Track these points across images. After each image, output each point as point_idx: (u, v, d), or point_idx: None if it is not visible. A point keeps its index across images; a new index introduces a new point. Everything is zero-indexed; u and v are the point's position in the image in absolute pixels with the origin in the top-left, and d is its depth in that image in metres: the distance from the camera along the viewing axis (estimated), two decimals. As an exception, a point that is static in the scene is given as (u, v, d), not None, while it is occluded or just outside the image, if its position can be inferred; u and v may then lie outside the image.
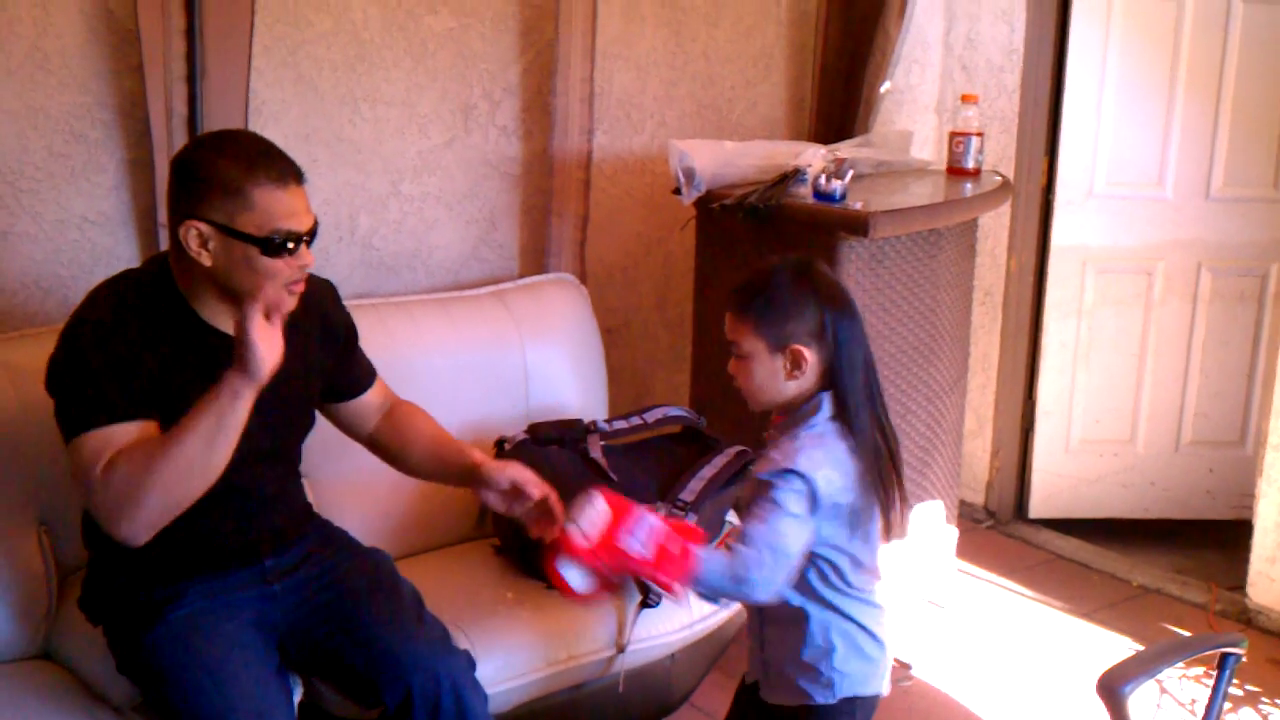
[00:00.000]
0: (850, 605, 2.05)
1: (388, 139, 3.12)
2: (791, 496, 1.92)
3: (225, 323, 2.11)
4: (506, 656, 2.48)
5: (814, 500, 1.93)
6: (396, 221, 3.18)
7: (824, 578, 2.02)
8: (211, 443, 1.95)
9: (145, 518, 1.97)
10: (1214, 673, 2.07)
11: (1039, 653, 3.40)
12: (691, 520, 2.60)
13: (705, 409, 3.07)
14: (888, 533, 2.08)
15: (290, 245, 2.02)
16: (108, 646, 2.21)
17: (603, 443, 2.86)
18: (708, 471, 2.74)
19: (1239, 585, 3.66)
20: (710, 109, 3.68)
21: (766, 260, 2.06)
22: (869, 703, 2.12)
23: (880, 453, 2.03)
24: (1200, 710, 2.12)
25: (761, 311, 2.00)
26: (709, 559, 1.89)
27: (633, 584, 2.61)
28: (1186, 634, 3.44)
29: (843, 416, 2.00)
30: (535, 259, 3.39)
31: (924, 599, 3.52)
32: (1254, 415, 4.01)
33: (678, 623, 2.67)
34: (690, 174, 3.01)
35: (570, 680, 2.58)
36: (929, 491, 3.31)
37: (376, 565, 2.37)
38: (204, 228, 2.00)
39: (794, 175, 3.01)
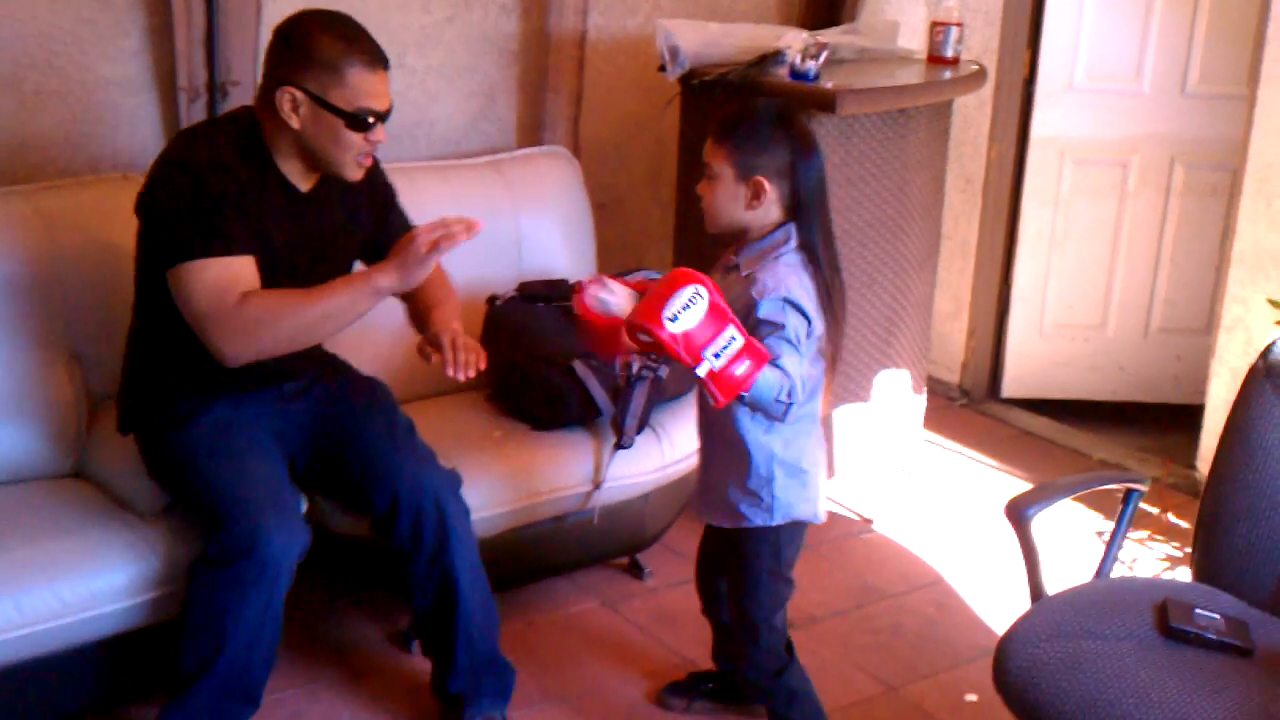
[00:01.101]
0: (793, 435, 2.28)
1: (393, 14, 3.31)
2: (790, 316, 2.15)
3: (297, 179, 2.37)
4: (491, 486, 2.73)
5: (809, 335, 2.17)
6: (400, 93, 3.34)
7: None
8: (335, 317, 2.29)
9: (258, 349, 2.28)
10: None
11: (995, 515, 3.63)
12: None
13: (685, 275, 3.29)
14: (833, 361, 2.31)
15: (371, 121, 2.26)
16: (140, 454, 2.48)
17: (587, 301, 3.08)
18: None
19: (1194, 463, 3.88)
20: (704, -6, 3.85)
21: (754, 98, 2.28)
22: (802, 527, 2.38)
23: (836, 282, 2.26)
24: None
25: (738, 141, 2.23)
26: (764, 380, 2.08)
27: (609, 426, 2.87)
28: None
29: (806, 247, 2.23)
30: (531, 133, 3.60)
31: (889, 463, 3.76)
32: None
33: (651, 464, 2.92)
34: (675, 52, 3.20)
35: (550, 511, 2.84)
36: (895, 360, 3.53)
37: (374, 390, 2.63)
38: (298, 94, 2.25)
39: (774, 56, 3.20)
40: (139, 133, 3.04)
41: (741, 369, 2.03)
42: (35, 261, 2.67)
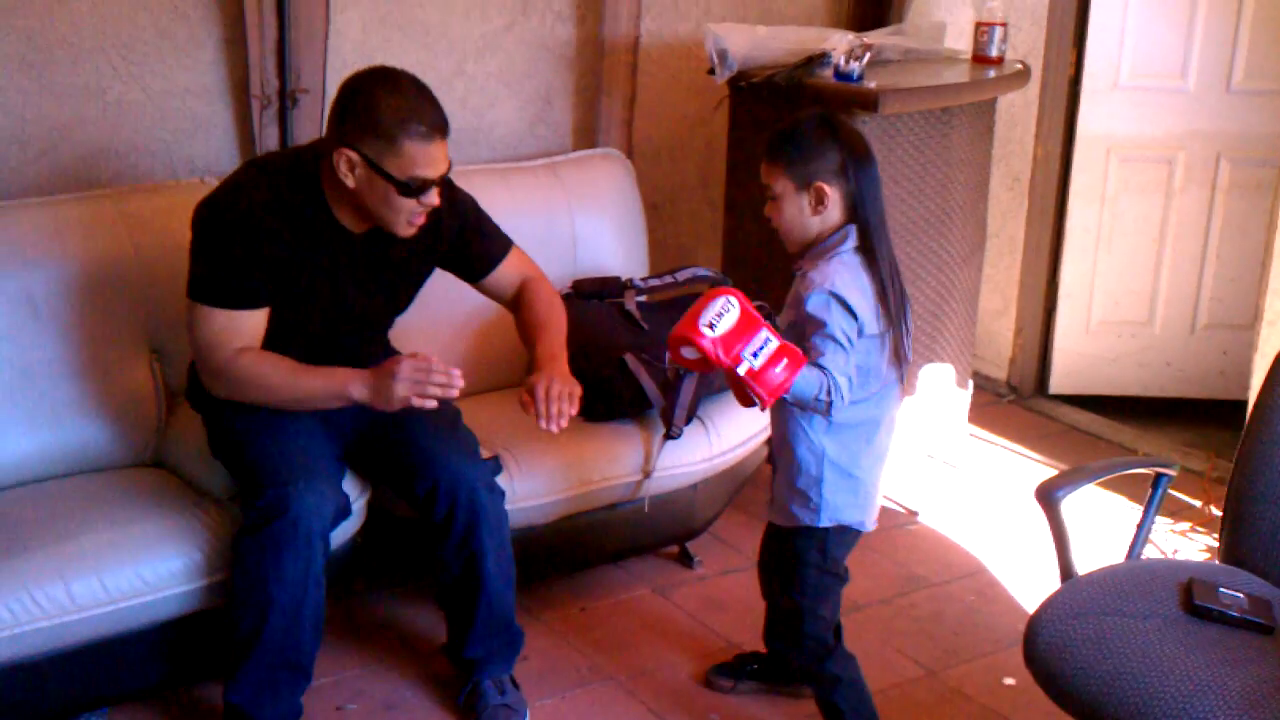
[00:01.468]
0: (849, 438, 2.36)
1: (454, 22, 3.46)
2: (835, 313, 2.25)
3: (350, 224, 2.51)
4: (547, 475, 2.86)
5: (855, 315, 2.26)
6: (461, 98, 3.52)
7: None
8: (309, 402, 2.48)
9: (240, 398, 2.50)
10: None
11: (1038, 508, 3.70)
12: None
13: (733, 274, 3.41)
14: (897, 358, 2.39)
15: (424, 188, 2.39)
16: (205, 430, 2.64)
17: (638, 298, 3.21)
18: (727, 322, 3.07)
19: (1239, 457, 3.92)
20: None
21: (790, 117, 2.39)
22: (851, 533, 2.46)
23: (895, 283, 2.35)
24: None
25: (790, 155, 2.33)
26: (803, 379, 2.20)
27: (659, 417, 2.98)
28: (1179, 495, 3.73)
29: (865, 246, 2.32)
30: (586, 136, 3.73)
31: (934, 456, 3.84)
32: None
33: (699, 455, 3.03)
34: (723, 55, 3.31)
35: (602, 500, 2.96)
36: (939, 354, 3.62)
37: (415, 355, 2.74)
38: (355, 157, 2.37)
39: (820, 58, 3.30)
40: (214, 139, 3.20)
41: (779, 368, 2.17)
42: (119, 262, 2.84)
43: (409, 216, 2.43)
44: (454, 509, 2.55)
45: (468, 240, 2.69)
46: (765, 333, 2.18)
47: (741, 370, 2.16)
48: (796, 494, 2.41)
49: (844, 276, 2.28)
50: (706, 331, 2.16)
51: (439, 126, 2.38)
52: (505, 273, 2.74)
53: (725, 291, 2.20)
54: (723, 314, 2.17)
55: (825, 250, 2.33)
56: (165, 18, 3.08)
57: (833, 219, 2.33)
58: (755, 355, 2.16)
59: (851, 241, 2.32)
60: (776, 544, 2.53)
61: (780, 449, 2.44)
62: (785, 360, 2.17)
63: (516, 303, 2.76)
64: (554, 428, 2.46)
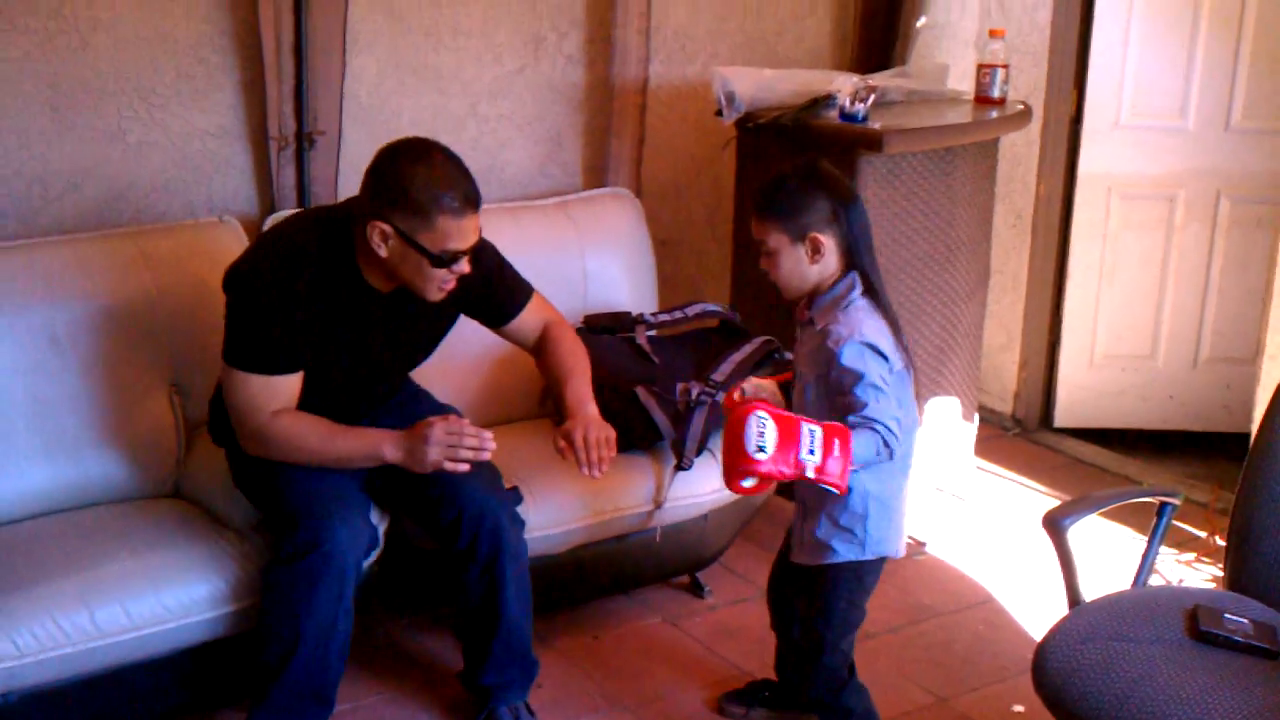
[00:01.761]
0: (889, 473, 2.40)
1: (467, 66, 3.53)
2: (871, 361, 2.29)
3: (377, 283, 2.56)
4: (559, 505, 2.91)
5: (886, 360, 2.31)
6: (473, 140, 3.59)
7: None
8: (346, 462, 2.56)
9: (269, 456, 2.55)
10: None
11: (1044, 539, 3.74)
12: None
13: (741, 309, 3.47)
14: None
15: (456, 259, 2.45)
16: (228, 465, 2.69)
17: (648, 332, 3.27)
18: (737, 356, 3.13)
19: (1244, 489, 3.96)
20: (759, 42, 4.04)
21: (777, 168, 2.43)
22: (884, 561, 2.50)
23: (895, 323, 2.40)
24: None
25: (781, 209, 2.35)
26: (859, 447, 2.22)
27: (670, 449, 3.03)
28: (1184, 526, 3.77)
29: (870, 291, 2.37)
30: (596, 176, 3.80)
31: (941, 488, 3.88)
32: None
33: (710, 486, 3.07)
34: (731, 97, 3.38)
35: (615, 530, 3.01)
36: (945, 388, 3.67)
37: (447, 417, 2.80)
38: (388, 229, 2.43)
39: (825, 100, 3.37)
40: (232, 179, 3.27)
41: (836, 453, 2.18)
42: (140, 298, 2.90)
43: (440, 284, 2.48)
44: (477, 538, 2.60)
45: (491, 289, 2.74)
46: (806, 427, 2.18)
47: (809, 474, 2.17)
48: (840, 531, 2.42)
49: (868, 324, 2.33)
50: (760, 456, 2.16)
51: (471, 200, 2.44)
52: (527, 319, 2.81)
53: (750, 410, 2.19)
54: (764, 432, 2.16)
55: (836, 300, 2.36)
56: (185, 61, 3.16)
57: (831, 267, 2.37)
58: (811, 453, 2.16)
59: (859, 288, 2.37)
60: (803, 580, 2.54)
61: (812, 490, 2.40)
62: (837, 442, 2.19)
63: (540, 348, 2.82)
64: (596, 474, 2.56)
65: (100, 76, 3.06)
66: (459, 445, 2.42)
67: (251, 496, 2.65)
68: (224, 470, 2.73)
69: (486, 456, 2.43)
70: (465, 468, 2.44)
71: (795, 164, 2.42)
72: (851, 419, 2.26)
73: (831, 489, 2.20)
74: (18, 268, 2.84)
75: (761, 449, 2.15)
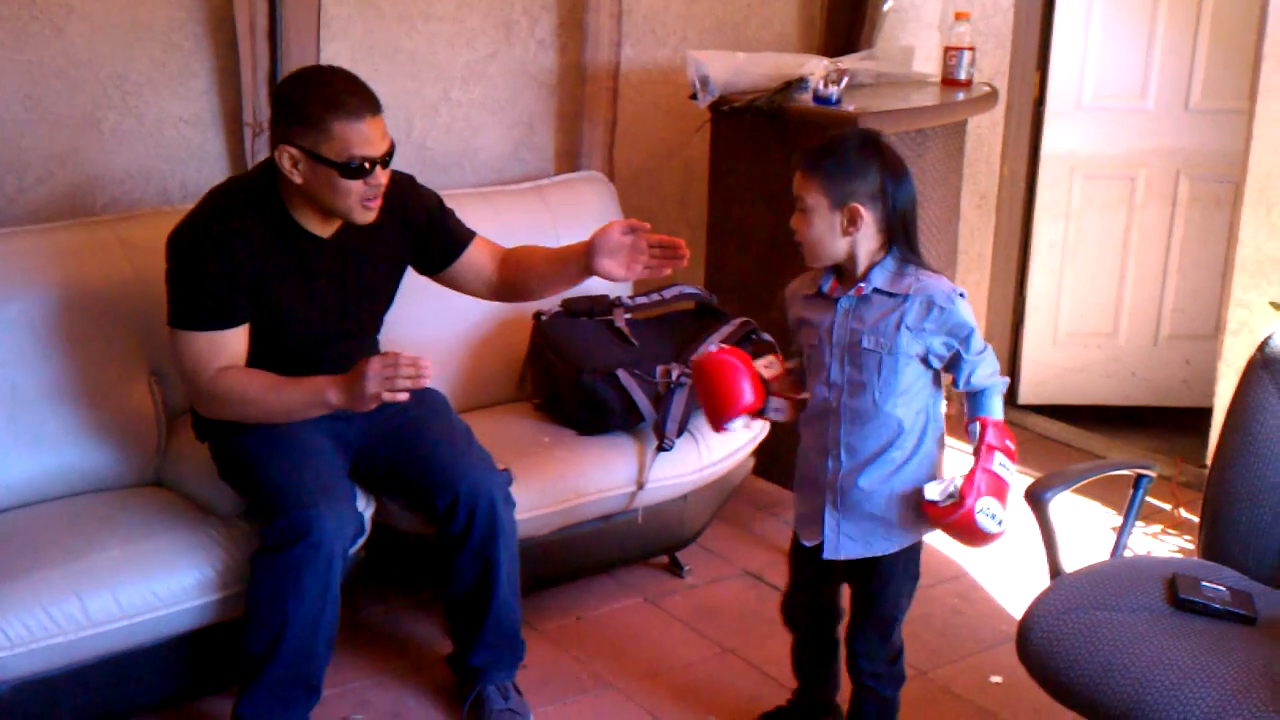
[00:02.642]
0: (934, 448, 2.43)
1: (439, 51, 3.54)
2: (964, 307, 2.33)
3: (315, 227, 2.58)
4: (542, 487, 2.92)
5: None
6: (446, 125, 3.60)
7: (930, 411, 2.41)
8: (292, 413, 2.55)
9: (223, 416, 2.59)
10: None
11: (1014, 514, 3.80)
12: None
13: (716, 292, 3.50)
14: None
15: (367, 167, 2.44)
16: (212, 459, 2.69)
17: (627, 315, 3.30)
18: (716, 337, 3.17)
19: (1204, 462, 4.05)
20: (728, 25, 4.06)
21: (831, 134, 2.36)
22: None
23: None
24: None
25: (829, 170, 2.25)
26: (996, 406, 2.39)
27: (651, 430, 3.06)
28: (1149, 499, 3.83)
29: (917, 263, 2.32)
30: (569, 160, 3.81)
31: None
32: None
33: (690, 466, 3.11)
34: (705, 81, 3.41)
35: (597, 511, 3.03)
36: (917, 367, 3.71)
37: (434, 400, 2.83)
38: (295, 152, 2.44)
39: (798, 83, 3.41)
40: (207, 166, 3.26)
41: (1008, 474, 2.33)
42: (116, 286, 2.89)
43: (360, 200, 2.48)
44: (472, 520, 2.62)
45: (435, 224, 2.76)
46: (1003, 478, 2.32)
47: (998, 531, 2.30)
48: (899, 508, 2.37)
49: (944, 280, 2.33)
50: (999, 527, 2.30)
51: (367, 103, 2.44)
52: (476, 255, 2.80)
53: (971, 502, 2.28)
54: (999, 509, 2.29)
55: (898, 269, 2.30)
56: (159, 48, 3.14)
57: (871, 243, 2.29)
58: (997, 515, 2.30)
59: (910, 263, 2.32)
60: (848, 573, 2.49)
61: (846, 485, 2.38)
62: (1004, 438, 2.36)
63: (507, 268, 2.80)
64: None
65: (74, 64, 3.03)
66: (395, 375, 2.38)
67: (237, 487, 2.65)
68: (205, 458, 2.72)
69: (425, 383, 2.39)
70: (404, 397, 2.39)
71: (856, 129, 2.40)
72: (985, 381, 2.35)
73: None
74: (-6, 257, 2.82)
75: (999, 521, 2.28)
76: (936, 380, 2.40)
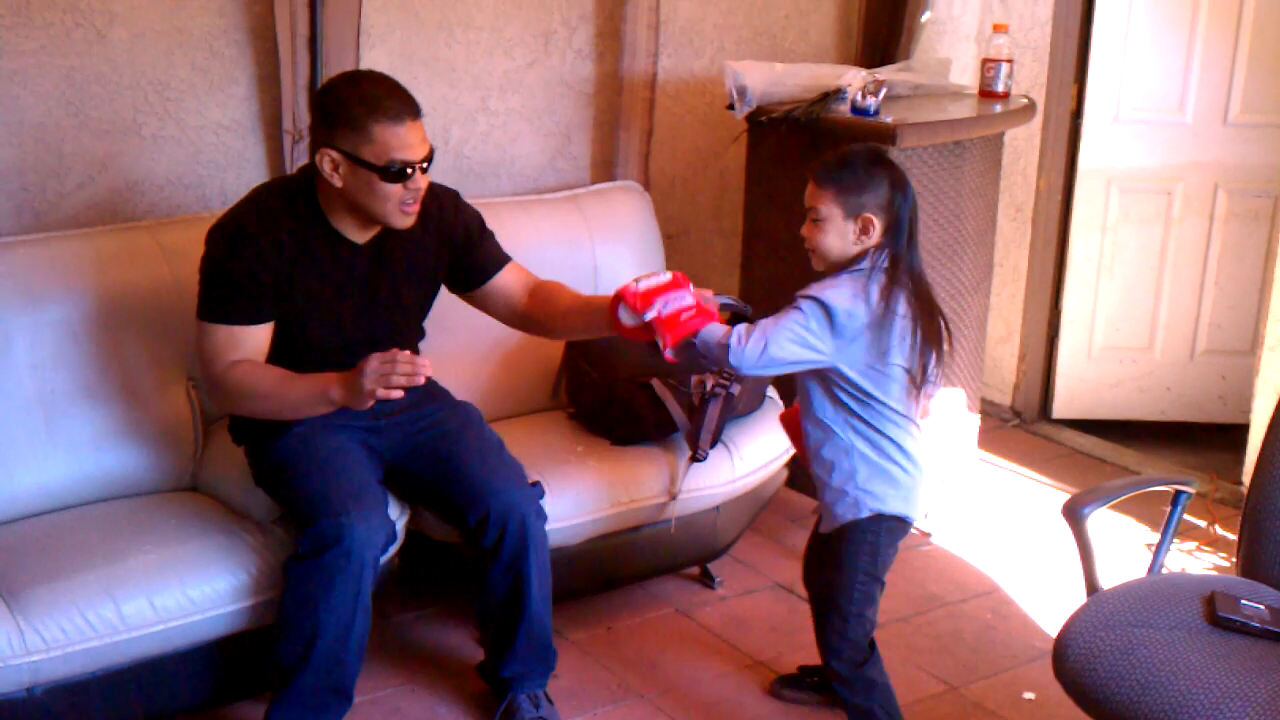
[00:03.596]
0: (871, 435, 2.46)
1: (477, 60, 3.55)
2: (812, 314, 2.38)
3: (352, 233, 2.59)
4: (575, 497, 2.93)
5: (833, 326, 2.38)
6: (484, 133, 3.61)
7: (848, 408, 2.44)
8: (299, 409, 2.56)
9: (235, 411, 2.66)
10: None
11: (1049, 529, 3.79)
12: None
13: (750, 301, 3.48)
14: (921, 383, 2.50)
15: (407, 171, 2.46)
16: (248, 464, 2.70)
17: (661, 325, 3.29)
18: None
19: (1240, 479, 4.01)
20: (765, 36, 4.07)
21: (847, 145, 2.51)
22: (896, 524, 2.53)
23: (921, 311, 2.46)
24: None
25: (843, 182, 2.43)
26: (710, 329, 2.42)
27: (684, 440, 3.06)
28: (1186, 516, 3.80)
29: (891, 272, 2.42)
30: (605, 169, 3.82)
31: (945, 479, 3.91)
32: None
33: (723, 477, 3.11)
34: (742, 92, 3.41)
35: (630, 521, 3.03)
36: (950, 381, 3.70)
37: (467, 413, 2.83)
38: (335, 155, 2.46)
39: (835, 94, 3.40)
40: (246, 172, 3.28)
41: (684, 318, 2.40)
42: (156, 291, 2.91)
43: (399, 204, 2.49)
44: (504, 534, 2.62)
45: (473, 242, 2.75)
46: (685, 292, 2.42)
47: (649, 316, 2.40)
48: (835, 493, 2.50)
49: (841, 290, 2.40)
50: (633, 285, 2.44)
51: (407, 107, 2.46)
52: (508, 278, 2.78)
53: (679, 279, 2.45)
54: (656, 278, 2.44)
55: (850, 267, 2.44)
56: (200, 55, 3.16)
57: (870, 247, 2.44)
58: (666, 305, 2.40)
59: (882, 264, 2.41)
60: (826, 551, 2.59)
61: (815, 460, 2.53)
62: (695, 314, 2.41)
63: (536, 302, 2.77)
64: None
65: (116, 70, 3.06)
66: (391, 373, 2.36)
67: (271, 493, 2.66)
68: (241, 463, 2.74)
69: (421, 380, 2.38)
70: (399, 394, 2.38)
71: (865, 144, 2.55)
72: (727, 337, 2.41)
73: (661, 341, 2.43)
74: (35, 261, 2.84)
75: (638, 283, 2.44)
76: (851, 405, 2.47)
